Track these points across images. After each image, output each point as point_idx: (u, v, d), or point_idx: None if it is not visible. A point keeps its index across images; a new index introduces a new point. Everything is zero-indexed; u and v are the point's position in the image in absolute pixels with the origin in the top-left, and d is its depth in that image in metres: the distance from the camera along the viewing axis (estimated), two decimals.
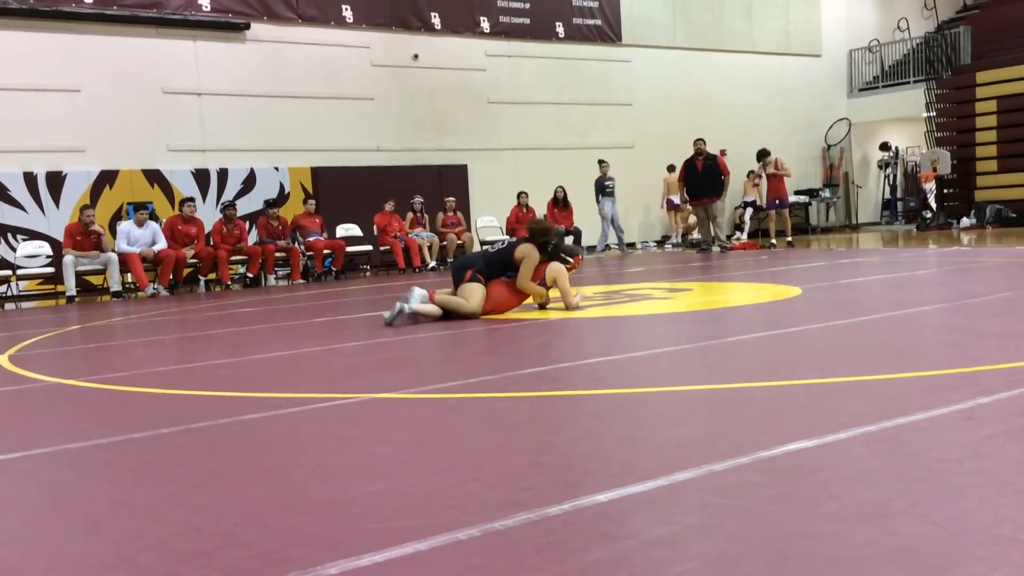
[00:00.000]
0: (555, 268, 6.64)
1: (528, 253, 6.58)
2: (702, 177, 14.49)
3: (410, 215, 14.61)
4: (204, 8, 14.20)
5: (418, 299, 6.34)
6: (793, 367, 3.97)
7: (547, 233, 6.72)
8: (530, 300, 6.83)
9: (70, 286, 11.46)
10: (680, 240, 18.05)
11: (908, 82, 20.81)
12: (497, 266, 6.64)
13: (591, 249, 16.41)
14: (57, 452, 3.09)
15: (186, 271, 12.56)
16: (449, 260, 14.54)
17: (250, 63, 14.64)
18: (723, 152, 15.23)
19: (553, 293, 6.80)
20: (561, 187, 15.71)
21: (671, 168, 17.49)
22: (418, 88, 16.13)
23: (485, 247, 7.35)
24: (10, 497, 2.61)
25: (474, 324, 6.09)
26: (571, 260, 6.90)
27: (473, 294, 6.41)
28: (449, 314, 6.39)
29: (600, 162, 16.29)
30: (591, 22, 17.97)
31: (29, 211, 12.81)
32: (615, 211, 16.23)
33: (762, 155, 15.58)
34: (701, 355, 4.47)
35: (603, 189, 16.14)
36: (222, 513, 2.27)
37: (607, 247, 16.46)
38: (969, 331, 4.70)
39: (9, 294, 12.09)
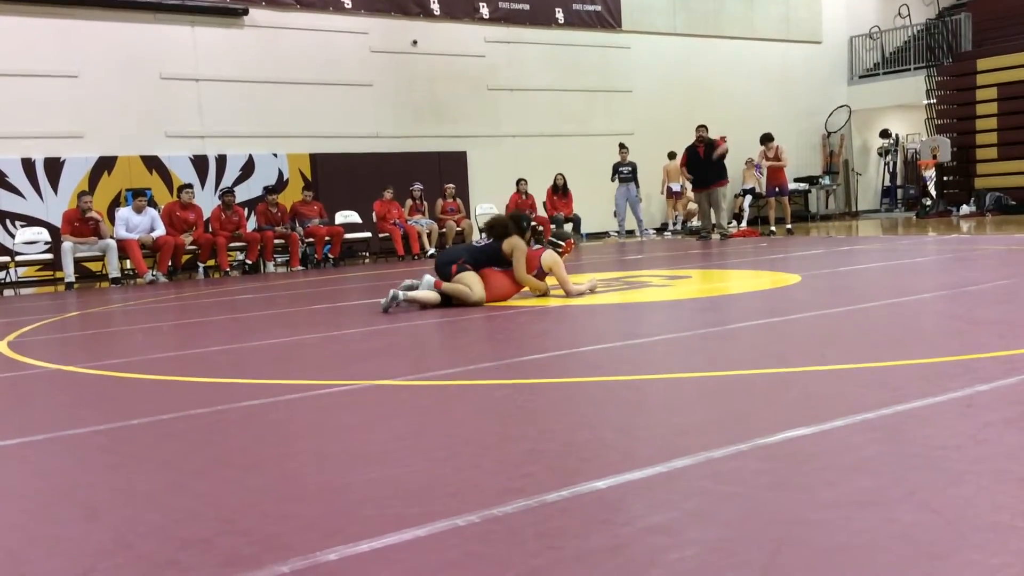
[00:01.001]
0: (549, 258, 6.62)
1: (515, 244, 6.56)
2: (704, 163, 14.45)
3: (409, 202, 14.59)
4: None
5: (427, 287, 6.34)
6: (791, 354, 3.97)
7: (514, 222, 6.66)
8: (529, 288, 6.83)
9: (69, 272, 11.45)
10: (681, 227, 18.04)
11: (908, 69, 20.76)
12: (484, 259, 6.58)
13: (601, 236, 16.40)
14: (56, 438, 3.09)
15: (185, 257, 12.55)
16: (448, 247, 14.54)
17: (248, 49, 14.60)
18: (723, 139, 15.20)
19: (551, 280, 6.79)
20: (561, 174, 15.69)
21: (671, 155, 17.46)
22: (417, 74, 16.09)
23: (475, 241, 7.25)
24: (9, 484, 2.62)
25: (473, 312, 6.09)
26: (562, 244, 6.89)
27: (475, 282, 6.40)
28: (448, 301, 6.38)
29: (619, 145, 16.30)
30: (591, 8, 17.91)
31: (27, 197, 12.80)
32: (632, 197, 16.19)
33: (766, 139, 15.50)
34: (700, 342, 4.47)
35: (618, 174, 16.11)
36: (221, 500, 2.27)
37: (630, 232, 16.46)
38: (968, 319, 4.70)
39: (8, 280, 12.09)
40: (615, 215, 16.52)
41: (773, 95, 20.13)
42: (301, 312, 7.14)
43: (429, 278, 6.42)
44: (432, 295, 6.37)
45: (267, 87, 14.68)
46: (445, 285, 6.40)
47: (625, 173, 16.13)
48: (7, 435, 3.17)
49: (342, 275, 11.31)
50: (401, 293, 6.27)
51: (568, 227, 15.10)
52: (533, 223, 6.73)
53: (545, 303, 6.38)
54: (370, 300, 7.22)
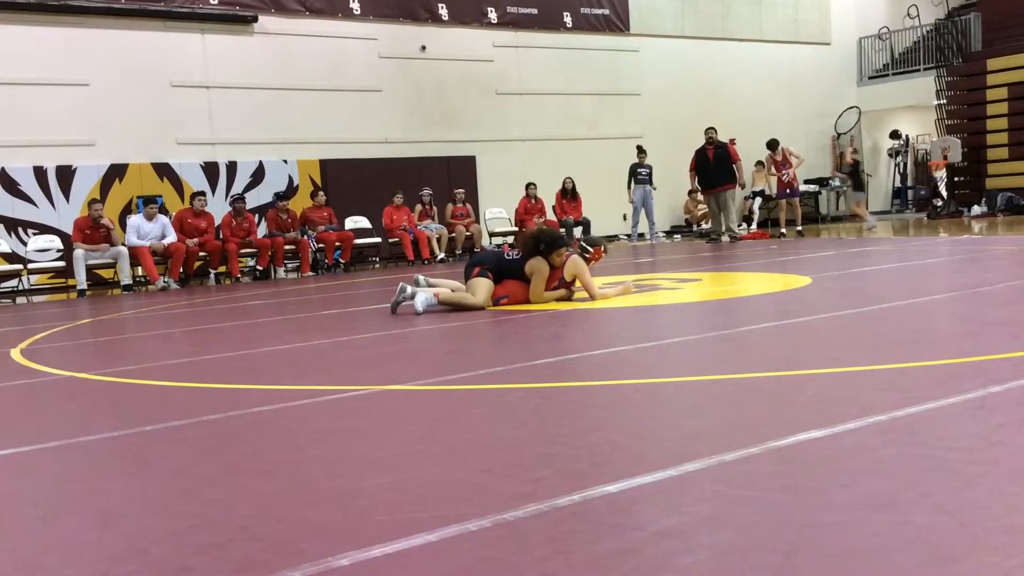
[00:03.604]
0: (573, 264, 6.58)
1: (537, 267, 6.50)
2: (713, 166, 14.43)
3: (419, 207, 14.62)
4: (212, 1, 14.22)
5: (422, 304, 6.34)
6: (803, 357, 3.96)
7: (534, 238, 6.57)
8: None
9: (81, 280, 11.51)
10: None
11: (918, 70, 20.69)
12: (508, 272, 6.59)
13: (611, 239, 16.34)
14: (70, 445, 3.11)
15: (196, 264, 12.60)
16: (458, 252, 14.60)
17: (258, 56, 14.66)
18: (732, 141, 15.18)
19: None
20: (570, 178, 15.68)
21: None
22: (426, 80, 16.13)
23: (500, 247, 7.22)
24: (23, 490, 2.63)
25: (484, 316, 6.10)
26: (590, 251, 6.87)
27: (479, 288, 6.42)
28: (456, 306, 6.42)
29: (637, 148, 16.23)
30: (599, 12, 17.92)
31: (39, 205, 12.87)
32: (648, 200, 16.11)
33: (772, 145, 15.42)
34: (711, 345, 4.46)
35: (635, 176, 16.04)
36: (234, 505, 2.28)
37: (640, 235, 16.39)
38: (980, 320, 4.68)
39: (20, 288, 12.15)
40: (628, 217, 16.47)
41: (782, 97, 20.09)
42: (312, 318, 7.16)
43: (423, 297, 6.38)
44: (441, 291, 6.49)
45: (277, 94, 14.74)
46: (442, 296, 6.43)
47: (643, 175, 16.08)
48: (21, 442, 3.18)
49: (352, 280, 11.33)
50: (418, 307, 6.30)
51: (578, 231, 15.08)
52: (547, 245, 6.47)
53: (556, 307, 6.37)
54: (381, 305, 7.23)
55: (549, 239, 6.53)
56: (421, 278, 6.84)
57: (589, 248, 6.94)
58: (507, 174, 16.47)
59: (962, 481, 2.08)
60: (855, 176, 16.15)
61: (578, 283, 6.67)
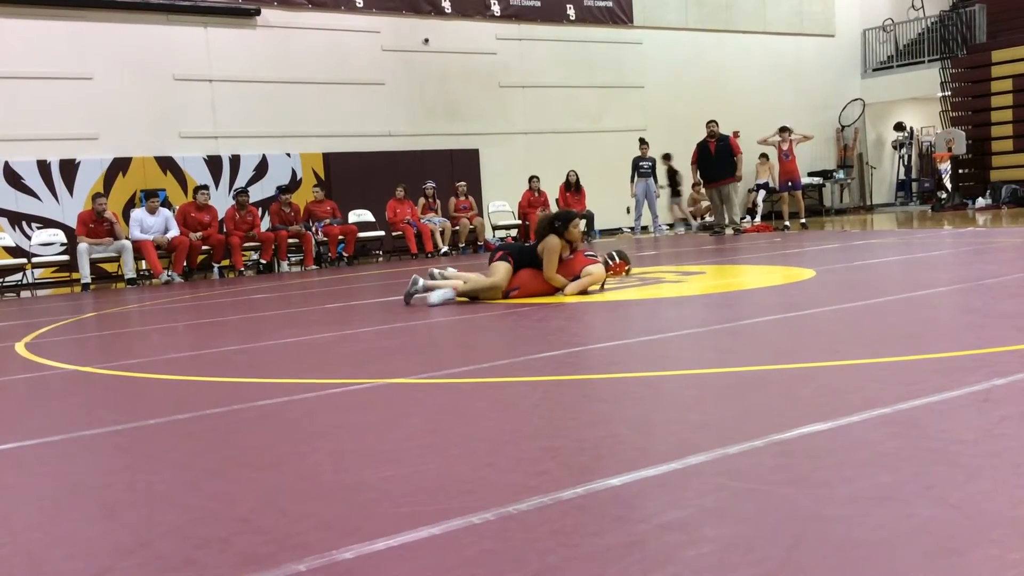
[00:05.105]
0: (593, 270, 6.59)
1: (546, 244, 6.52)
2: (715, 159, 14.40)
3: (422, 200, 14.62)
4: None
5: (439, 298, 6.39)
6: (807, 350, 3.95)
7: (549, 220, 6.63)
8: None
9: (85, 273, 11.53)
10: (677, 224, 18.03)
11: (923, 61, 20.64)
12: (526, 258, 6.65)
13: (615, 232, 16.32)
14: (74, 439, 3.11)
15: (200, 258, 12.61)
16: (461, 245, 14.60)
17: (261, 49, 14.66)
18: (736, 134, 15.15)
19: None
20: (573, 171, 15.67)
21: (667, 157, 17.50)
22: (429, 73, 16.11)
23: (504, 240, 7.31)
24: (28, 484, 2.64)
25: (488, 308, 6.10)
26: (616, 261, 6.90)
27: (496, 270, 6.51)
28: (473, 296, 6.49)
29: (640, 141, 16.19)
30: (602, 4, 17.88)
31: (43, 199, 12.89)
32: (651, 193, 16.08)
33: (784, 130, 15.38)
34: (714, 338, 4.45)
35: (637, 169, 16.01)
36: (238, 499, 2.28)
37: (644, 228, 16.37)
38: (984, 312, 4.67)
39: (24, 282, 12.17)
40: (631, 210, 16.47)
41: (786, 89, 20.04)
42: (315, 311, 7.16)
43: (442, 292, 6.44)
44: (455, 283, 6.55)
45: (280, 87, 14.73)
46: (459, 288, 6.51)
47: (645, 168, 16.05)
48: (25, 436, 3.19)
49: (356, 274, 11.33)
50: (431, 300, 6.35)
51: (581, 224, 15.07)
52: (563, 222, 6.52)
53: (559, 300, 6.37)
54: (384, 299, 7.23)
55: (563, 216, 6.66)
56: (436, 271, 6.85)
57: (616, 258, 6.96)
58: (510, 167, 16.46)
59: (966, 474, 2.08)
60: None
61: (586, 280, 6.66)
